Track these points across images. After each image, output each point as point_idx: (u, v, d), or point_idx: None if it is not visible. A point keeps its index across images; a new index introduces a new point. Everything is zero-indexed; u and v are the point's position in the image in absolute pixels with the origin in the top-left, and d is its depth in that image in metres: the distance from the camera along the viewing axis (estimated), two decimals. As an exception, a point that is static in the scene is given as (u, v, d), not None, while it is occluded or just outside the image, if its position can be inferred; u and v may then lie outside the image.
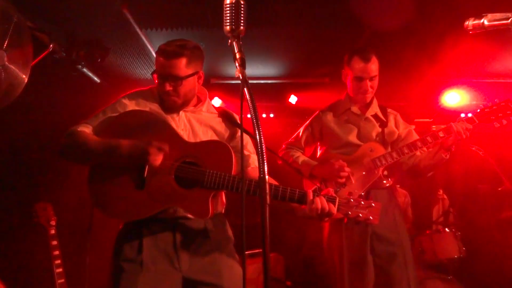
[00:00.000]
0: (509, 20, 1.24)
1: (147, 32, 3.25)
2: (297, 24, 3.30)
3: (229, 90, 4.50)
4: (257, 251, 3.65)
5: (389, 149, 2.25)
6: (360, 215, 1.45)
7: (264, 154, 0.96)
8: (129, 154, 1.50)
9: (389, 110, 2.38)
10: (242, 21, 1.13)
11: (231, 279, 1.59)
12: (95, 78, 3.84)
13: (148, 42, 3.38)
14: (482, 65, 4.08)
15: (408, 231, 2.41)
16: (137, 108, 1.65)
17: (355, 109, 2.32)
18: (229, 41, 1.14)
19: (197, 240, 1.61)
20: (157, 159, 1.49)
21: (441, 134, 2.06)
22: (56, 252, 2.50)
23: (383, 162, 2.15)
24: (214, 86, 4.48)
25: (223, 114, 1.77)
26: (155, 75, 1.64)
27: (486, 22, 1.32)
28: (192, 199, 1.52)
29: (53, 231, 2.55)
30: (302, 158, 2.35)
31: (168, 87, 1.60)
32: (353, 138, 2.27)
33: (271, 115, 4.79)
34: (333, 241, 2.19)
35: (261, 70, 4.28)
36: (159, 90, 1.66)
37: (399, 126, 2.36)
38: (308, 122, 2.45)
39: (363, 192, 2.13)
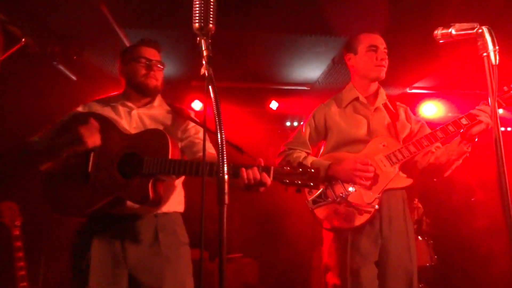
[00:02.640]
0: (474, 30, 1.28)
1: (126, 31, 3.20)
2: (279, 30, 3.31)
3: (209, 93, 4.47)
4: (232, 256, 3.61)
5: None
6: (299, 182, 1.42)
7: (225, 153, 0.94)
8: (67, 145, 1.56)
9: (398, 103, 2.08)
10: (211, 19, 1.11)
11: (173, 284, 1.61)
12: (71, 76, 3.75)
13: (128, 41, 3.33)
14: (458, 76, 4.20)
15: None
16: None
17: (362, 98, 1.98)
18: (198, 38, 1.11)
19: (145, 240, 1.64)
20: (91, 135, 1.55)
21: (464, 122, 1.76)
22: (20, 254, 2.39)
23: (400, 157, 1.81)
24: (195, 89, 4.45)
25: (175, 109, 1.82)
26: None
27: (453, 32, 1.35)
28: (133, 187, 1.55)
29: (17, 232, 2.45)
30: (310, 158, 1.96)
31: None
32: (362, 132, 1.92)
33: (252, 120, 4.77)
34: (336, 250, 1.86)
35: (242, 74, 4.28)
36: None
37: (410, 120, 2.04)
38: (309, 116, 2.07)
39: (379, 194, 1.78)
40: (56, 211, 1.61)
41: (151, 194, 1.53)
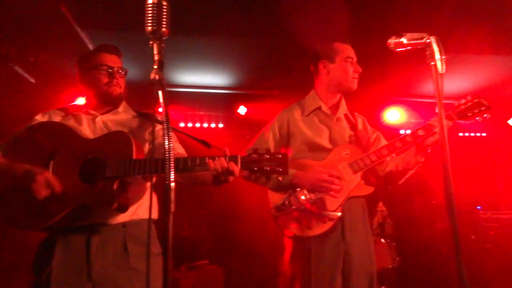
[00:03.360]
0: (423, 40, 1.33)
1: (89, 33, 3.11)
2: (247, 35, 3.33)
3: (174, 98, 4.42)
4: (198, 263, 3.56)
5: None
6: (267, 168, 1.40)
7: (171, 160, 0.92)
8: (20, 179, 1.47)
9: (356, 113, 2.13)
10: (164, 23, 1.09)
11: None
12: (30, 78, 3.59)
13: (90, 43, 3.24)
14: (419, 84, 4.37)
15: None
16: None
17: (324, 108, 2.02)
18: (150, 42, 1.09)
19: (112, 252, 1.54)
20: (41, 190, 1.44)
21: (420, 133, 1.82)
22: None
23: (362, 166, 1.86)
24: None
25: (142, 114, 1.77)
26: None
27: (405, 41, 1.40)
28: (97, 192, 1.48)
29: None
30: None
31: None
32: (324, 140, 1.95)
33: (220, 125, 4.75)
34: (299, 257, 1.84)
35: (210, 79, 4.26)
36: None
37: (367, 130, 2.11)
38: (272, 120, 2.07)
39: (342, 202, 1.81)
40: (13, 225, 1.51)
41: (116, 197, 1.47)
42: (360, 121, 2.11)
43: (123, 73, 1.73)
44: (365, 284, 1.82)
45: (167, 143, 0.94)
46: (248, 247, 3.94)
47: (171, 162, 0.92)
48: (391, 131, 4.72)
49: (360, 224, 1.90)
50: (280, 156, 1.42)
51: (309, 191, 1.83)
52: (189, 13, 2.94)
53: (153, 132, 1.76)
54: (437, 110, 1.25)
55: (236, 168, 1.42)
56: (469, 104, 1.83)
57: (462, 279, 1.12)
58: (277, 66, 3.98)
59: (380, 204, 4.56)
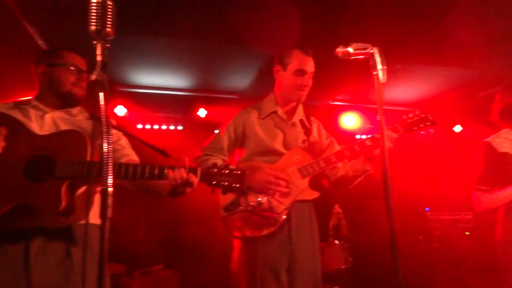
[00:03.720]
0: (367, 50, 1.39)
1: (38, 28, 2.96)
2: (207, 37, 3.31)
3: (135, 99, 4.31)
4: (152, 268, 3.48)
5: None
6: (225, 183, 1.44)
7: (110, 164, 0.90)
8: None
9: (312, 118, 2.18)
10: (109, 23, 1.06)
11: None
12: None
13: (40, 39, 3.08)
14: (373, 91, 4.56)
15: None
16: None
17: (281, 112, 2.05)
18: (94, 42, 1.06)
19: (54, 257, 1.46)
20: None
21: (368, 143, 1.90)
22: None
23: (310, 171, 1.91)
24: (119, 94, 4.26)
25: (96, 116, 1.69)
26: None
27: (351, 50, 1.46)
28: (42, 192, 1.40)
29: None
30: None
31: None
32: (278, 144, 1.98)
33: (179, 127, 4.69)
34: (245, 258, 1.89)
35: (170, 81, 4.19)
36: None
37: (322, 136, 2.16)
38: (228, 122, 2.07)
39: (288, 205, 1.86)
40: None
41: (63, 200, 1.38)
42: (315, 126, 2.16)
43: (87, 77, 1.71)
44: (309, 285, 1.89)
45: (105, 147, 0.91)
46: (204, 250, 3.91)
47: (110, 166, 0.90)
48: (348, 136, 4.89)
49: (307, 227, 1.96)
50: (238, 172, 1.45)
51: (256, 192, 1.86)
52: (148, 13, 2.88)
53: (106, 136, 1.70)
54: (378, 118, 1.31)
55: (196, 180, 1.43)
56: (416, 118, 1.92)
57: (398, 279, 1.18)
58: (238, 70, 4.00)
59: (336, 206, 4.70)
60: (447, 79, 4.14)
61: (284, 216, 1.85)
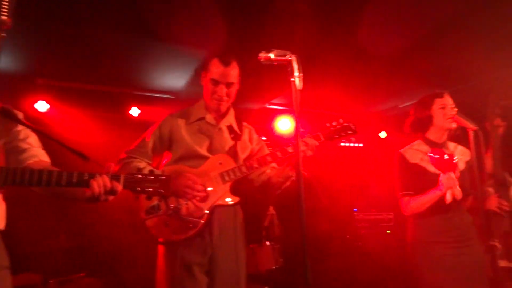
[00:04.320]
0: (286, 57, 1.44)
1: None
2: (138, 33, 3.19)
3: (59, 94, 4.01)
4: (72, 276, 3.25)
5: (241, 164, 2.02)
6: (150, 189, 1.41)
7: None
8: None
9: (245, 123, 2.19)
10: (4, 10, 0.97)
11: None
12: None
13: None
14: (308, 96, 4.73)
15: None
16: None
17: (209, 118, 2.06)
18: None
19: None
20: None
21: (290, 150, 1.94)
22: None
23: (232, 176, 1.93)
24: (40, 88, 3.93)
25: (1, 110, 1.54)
26: None
27: (272, 56, 1.50)
28: None
29: None
30: (148, 168, 1.92)
31: None
32: (203, 149, 1.99)
33: (110, 126, 4.44)
34: (166, 262, 1.88)
35: (100, 77, 3.97)
36: None
37: (252, 141, 2.17)
38: (155, 125, 2.05)
39: (208, 210, 1.87)
40: None
41: None
42: (246, 132, 2.17)
43: None
44: (230, 287, 1.91)
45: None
46: (129, 256, 3.75)
47: None
48: (284, 140, 5.02)
49: (230, 231, 1.97)
50: (163, 178, 1.43)
51: (177, 196, 1.85)
52: (78, 5, 2.70)
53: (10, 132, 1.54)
54: (289, 124, 1.36)
55: (119, 187, 1.37)
56: (338, 127, 2.00)
57: (307, 279, 1.23)
58: (173, 69, 3.91)
59: (271, 208, 4.80)
60: (373, 87, 4.42)
61: (203, 221, 1.86)
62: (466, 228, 2.23)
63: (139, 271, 3.44)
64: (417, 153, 2.31)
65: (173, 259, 1.86)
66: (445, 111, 2.30)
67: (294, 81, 1.38)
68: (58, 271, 3.43)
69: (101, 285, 3.38)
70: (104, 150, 3.35)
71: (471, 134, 2.07)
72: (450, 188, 2.05)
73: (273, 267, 3.48)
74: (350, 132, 2.02)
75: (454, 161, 2.09)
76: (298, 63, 1.40)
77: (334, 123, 2.02)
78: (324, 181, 5.27)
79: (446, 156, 2.09)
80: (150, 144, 2.00)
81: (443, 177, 2.07)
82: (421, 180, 2.22)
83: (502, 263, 2.85)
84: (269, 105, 4.97)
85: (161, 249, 1.94)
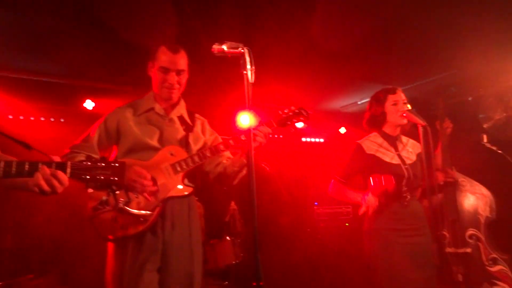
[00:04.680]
0: (238, 49, 1.41)
1: None
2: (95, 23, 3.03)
3: (5, 85, 3.73)
4: (20, 279, 3.06)
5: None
6: (101, 177, 1.33)
7: None
8: None
9: (197, 115, 2.15)
10: None
11: None
12: None
13: None
14: (268, 91, 4.73)
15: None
16: None
17: (158, 108, 1.99)
18: None
19: None
20: None
21: (242, 138, 1.93)
22: None
23: (184, 167, 1.88)
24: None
25: None
26: None
27: (225, 48, 1.47)
28: None
29: None
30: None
31: None
32: (153, 141, 1.92)
33: (61, 120, 4.22)
34: (115, 260, 1.82)
35: (51, 67, 3.73)
36: None
37: (205, 133, 2.14)
38: (101, 119, 2.02)
39: (159, 203, 1.81)
40: None
41: None
42: (199, 123, 2.13)
43: None
44: (183, 284, 1.86)
45: None
46: (79, 256, 3.59)
47: None
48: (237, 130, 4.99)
49: (185, 224, 1.92)
50: (116, 165, 1.35)
51: (126, 190, 1.78)
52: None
53: None
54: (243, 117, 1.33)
55: (65, 177, 1.28)
56: (290, 113, 2.00)
57: (257, 273, 1.22)
58: (129, 61, 3.76)
59: (233, 203, 4.78)
60: (331, 85, 4.50)
61: (154, 214, 1.79)
62: (419, 216, 2.37)
63: (89, 270, 3.30)
64: (373, 144, 2.45)
65: (123, 256, 1.79)
66: (398, 107, 2.43)
67: (246, 74, 1.35)
68: (5, 273, 3.23)
69: (50, 286, 3.21)
70: (55, 144, 3.17)
71: (421, 130, 2.17)
72: (368, 207, 2.29)
73: (233, 262, 3.47)
74: (302, 118, 2.02)
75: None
76: (250, 56, 1.37)
77: (286, 110, 2.02)
78: (286, 176, 5.33)
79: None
80: (96, 139, 1.94)
81: (369, 197, 2.30)
82: (376, 169, 2.36)
83: (449, 250, 3.10)
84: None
85: (110, 246, 1.86)
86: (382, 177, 2.29)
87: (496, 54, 3.40)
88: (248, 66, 1.36)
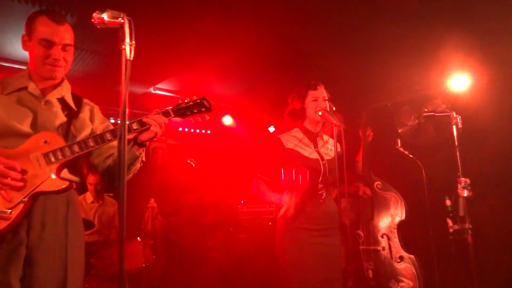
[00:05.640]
0: (118, 20, 1.18)
1: None
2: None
3: None
4: None
5: None
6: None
7: None
8: None
9: (86, 100, 1.88)
10: None
11: None
12: None
13: None
14: (199, 81, 4.52)
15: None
16: None
17: (33, 88, 1.68)
18: None
19: None
20: None
21: (134, 127, 1.68)
22: None
23: (59, 157, 1.59)
24: None
25: None
26: None
27: (106, 18, 1.22)
28: None
29: None
30: None
31: None
32: (23, 125, 1.63)
33: None
34: None
35: None
36: None
37: (94, 120, 1.87)
38: None
39: (25, 198, 1.51)
40: None
41: None
42: (86, 110, 1.83)
43: None
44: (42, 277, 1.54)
45: None
46: None
47: None
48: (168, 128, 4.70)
49: (59, 224, 1.62)
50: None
51: None
52: None
53: None
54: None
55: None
56: (190, 103, 1.81)
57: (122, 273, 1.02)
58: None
59: (152, 200, 4.47)
60: (263, 83, 4.42)
61: (16, 213, 1.47)
62: (332, 216, 2.35)
63: None
64: (292, 139, 2.42)
65: None
66: (317, 103, 2.38)
67: (124, 49, 1.12)
68: None
69: None
70: None
71: (334, 130, 2.15)
72: (287, 208, 2.24)
73: (143, 265, 3.19)
74: (203, 109, 1.85)
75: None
76: (131, 28, 1.15)
77: (186, 100, 1.84)
78: (213, 173, 5.16)
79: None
80: None
81: (285, 196, 2.27)
82: (294, 163, 2.33)
83: (362, 247, 3.26)
84: (154, 90, 4.60)
85: None
86: (299, 174, 2.25)
87: (413, 62, 3.55)
88: (127, 40, 1.13)
